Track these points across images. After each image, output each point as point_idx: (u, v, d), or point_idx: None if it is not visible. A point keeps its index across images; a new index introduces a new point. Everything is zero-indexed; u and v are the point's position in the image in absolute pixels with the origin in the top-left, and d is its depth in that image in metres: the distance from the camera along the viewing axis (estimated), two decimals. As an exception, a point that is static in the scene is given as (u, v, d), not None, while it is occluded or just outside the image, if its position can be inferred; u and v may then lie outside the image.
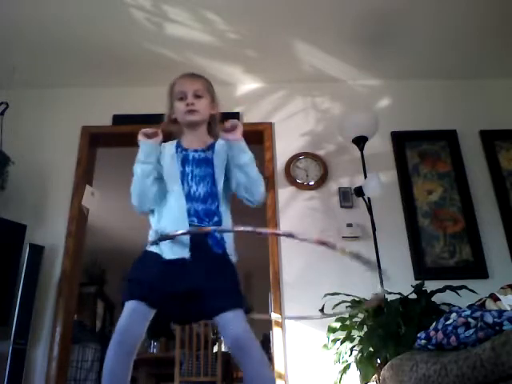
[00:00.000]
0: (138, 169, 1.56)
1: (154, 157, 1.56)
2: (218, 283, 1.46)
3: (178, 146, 1.67)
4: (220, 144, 1.65)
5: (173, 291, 1.44)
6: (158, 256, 1.50)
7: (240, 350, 1.37)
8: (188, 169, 1.60)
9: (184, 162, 1.61)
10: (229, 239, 1.56)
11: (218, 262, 1.51)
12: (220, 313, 1.41)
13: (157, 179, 1.59)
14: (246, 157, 1.54)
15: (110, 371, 1.36)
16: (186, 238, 1.48)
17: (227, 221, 1.58)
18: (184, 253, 1.48)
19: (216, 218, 1.55)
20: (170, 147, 1.66)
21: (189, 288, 1.44)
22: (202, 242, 1.50)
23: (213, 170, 1.60)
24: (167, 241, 1.49)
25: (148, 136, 1.55)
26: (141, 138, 1.56)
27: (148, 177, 1.56)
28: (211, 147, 1.66)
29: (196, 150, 1.64)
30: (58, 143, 3.28)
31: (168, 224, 1.52)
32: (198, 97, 1.65)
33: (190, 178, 1.58)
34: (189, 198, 1.55)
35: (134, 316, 1.42)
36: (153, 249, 1.52)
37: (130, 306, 1.43)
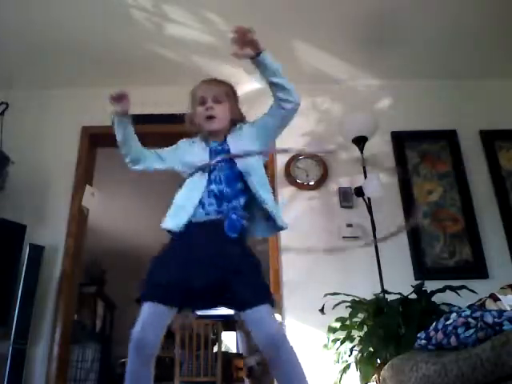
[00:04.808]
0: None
1: (123, 123, 1.68)
2: (245, 275, 1.45)
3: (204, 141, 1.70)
4: (233, 135, 1.67)
5: (195, 287, 1.42)
6: (174, 243, 1.52)
7: (274, 349, 1.36)
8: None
9: (210, 154, 1.63)
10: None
11: (237, 249, 1.50)
12: (250, 308, 1.39)
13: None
14: (276, 65, 1.68)
15: (131, 376, 1.37)
16: (201, 217, 1.51)
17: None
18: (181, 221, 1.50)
19: (236, 201, 1.55)
20: (199, 142, 1.70)
21: (214, 281, 1.42)
22: (217, 226, 1.50)
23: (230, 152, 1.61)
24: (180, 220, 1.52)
25: (114, 99, 1.66)
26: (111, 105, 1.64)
27: (127, 139, 1.66)
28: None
29: (215, 142, 1.67)
30: (58, 143, 3.28)
31: (181, 201, 1.56)
32: (217, 102, 1.66)
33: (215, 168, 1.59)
34: (211, 182, 1.56)
35: (151, 320, 1.41)
36: (169, 226, 1.54)
37: (147, 308, 1.42)
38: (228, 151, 1.62)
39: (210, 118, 1.64)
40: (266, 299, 1.44)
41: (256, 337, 1.40)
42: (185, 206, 1.53)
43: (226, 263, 1.45)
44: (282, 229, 1.62)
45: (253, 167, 1.59)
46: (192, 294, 1.43)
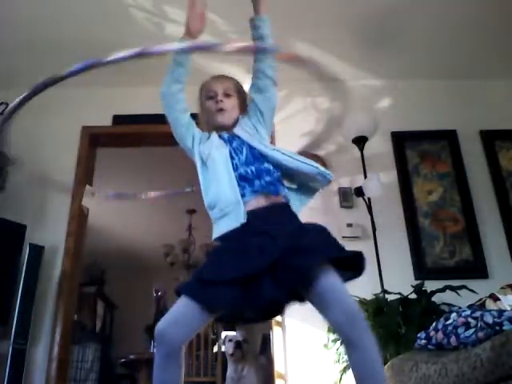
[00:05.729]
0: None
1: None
2: (304, 241, 1.37)
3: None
4: (237, 127, 1.64)
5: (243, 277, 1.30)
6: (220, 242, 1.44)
7: (353, 327, 1.27)
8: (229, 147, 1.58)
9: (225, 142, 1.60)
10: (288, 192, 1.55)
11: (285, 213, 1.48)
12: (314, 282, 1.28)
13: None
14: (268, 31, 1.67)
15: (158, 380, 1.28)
16: (240, 206, 1.43)
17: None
18: (238, 220, 1.40)
19: (268, 177, 1.51)
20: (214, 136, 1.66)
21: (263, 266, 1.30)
22: (262, 207, 1.45)
23: (243, 139, 1.58)
24: (221, 218, 1.44)
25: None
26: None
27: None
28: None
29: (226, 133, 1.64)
30: (58, 143, 3.28)
31: (219, 193, 1.47)
32: (227, 95, 1.66)
33: (233, 152, 1.55)
34: (236, 167, 1.51)
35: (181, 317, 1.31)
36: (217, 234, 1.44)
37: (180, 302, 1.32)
38: (240, 138, 1.59)
39: (221, 110, 1.63)
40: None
41: (332, 313, 1.29)
42: (231, 204, 1.44)
43: (277, 230, 1.39)
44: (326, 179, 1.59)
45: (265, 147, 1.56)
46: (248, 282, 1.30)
